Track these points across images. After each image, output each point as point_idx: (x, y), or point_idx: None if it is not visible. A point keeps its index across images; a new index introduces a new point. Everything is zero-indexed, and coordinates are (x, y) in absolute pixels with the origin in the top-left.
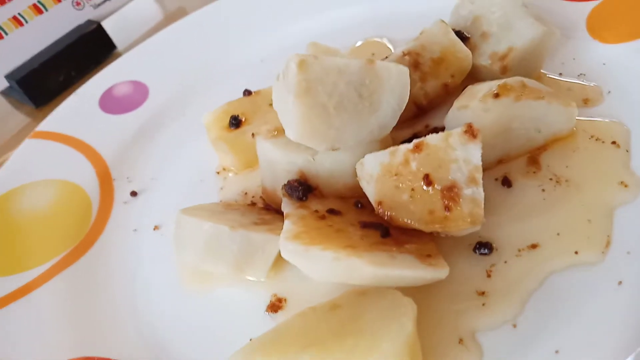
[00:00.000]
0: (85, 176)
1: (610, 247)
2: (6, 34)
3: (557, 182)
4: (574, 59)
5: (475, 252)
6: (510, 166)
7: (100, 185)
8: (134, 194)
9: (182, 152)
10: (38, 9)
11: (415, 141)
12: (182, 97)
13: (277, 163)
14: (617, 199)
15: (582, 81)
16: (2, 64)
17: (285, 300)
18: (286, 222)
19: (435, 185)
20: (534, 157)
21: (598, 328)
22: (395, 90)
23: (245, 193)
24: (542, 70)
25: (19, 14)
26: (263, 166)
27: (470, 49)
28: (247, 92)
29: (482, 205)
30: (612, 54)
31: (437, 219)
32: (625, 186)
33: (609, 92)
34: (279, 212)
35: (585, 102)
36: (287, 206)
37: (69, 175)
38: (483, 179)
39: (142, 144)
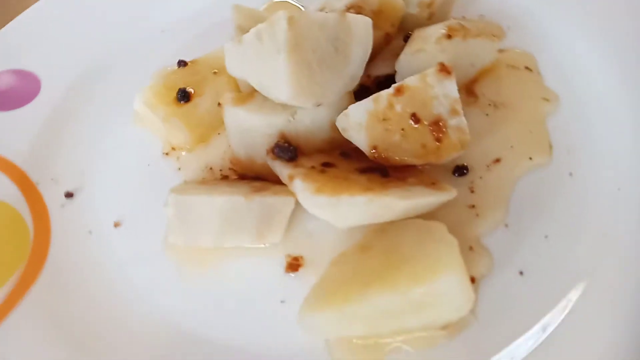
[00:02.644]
0: (3, 188)
1: (552, 149)
2: None
3: (495, 106)
4: (472, 1)
5: (455, 175)
6: None
7: (23, 193)
8: (69, 195)
9: (109, 139)
10: None
11: (394, 85)
12: (84, 83)
13: (254, 129)
14: (544, 110)
15: (490, 19)
16: None
17: (301, 257)
18: (297, 181)
19: (423, 122)
20: (469, 89)
21: (569, 212)
22: (362, 41)
23: (210, 168)
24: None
25: None
26: (233, 135)
27: None
28: (183, 63)
29: (467, 131)
30: None
31: (431, 151)
32: (547, 100)
33: (509, 27)
34: (260, 179)
35: (496, 36)
36: (283, 168)
37: None
38: None
39: (54, 139)
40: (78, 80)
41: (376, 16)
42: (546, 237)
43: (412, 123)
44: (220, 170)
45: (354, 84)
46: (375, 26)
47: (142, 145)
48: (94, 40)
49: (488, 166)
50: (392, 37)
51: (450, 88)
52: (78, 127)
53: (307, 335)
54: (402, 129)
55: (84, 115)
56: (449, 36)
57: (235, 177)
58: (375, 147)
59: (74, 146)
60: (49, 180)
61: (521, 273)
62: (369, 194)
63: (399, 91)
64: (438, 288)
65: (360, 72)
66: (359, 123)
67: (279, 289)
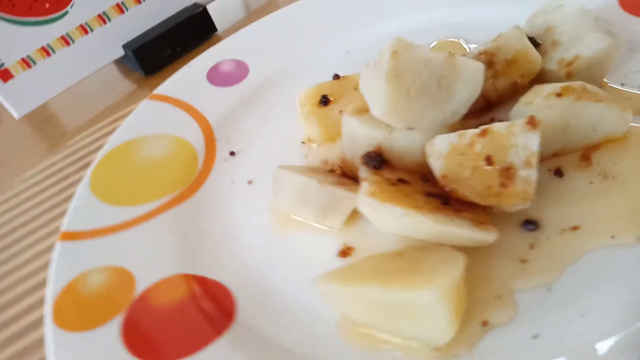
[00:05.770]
0: (193, 135)
1: None
2: (127, 9)
3: (604, 177)
4: (637, 71)
5: (522, 228)
6: (564, 159)
7: (205, 143)
8: (232, 153)
9: (275, 122)
10: None
11: (481, 127)
12: (278, 78)
13: (359, 137)
14: None
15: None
16: (120, 35)
17: (354, 249)
18: (363, 184)
19: (495, 165)
20: (586, 154)
21: (622, 297)
22: (469, 83)
23: (326, 162)
24: (604, 80)
25: None
26: (345, 139)
27: (540, 54)
28: (336, 77)
29: (534, 185)
30: None
31: (493, 193)
32: None
33: None
34: (354, 180)
35: None
36: (364, 172)
37: (180, 132)
38: (538, 168)
39: (242, 113)
40: (273, 77)
41: (508, 65)
42: (582, 315)
43: (485, 164)
44: (332, 165)
45: (454, 119)
46: (505, 74)
47: (292, 132)
48: (293, 49)
49: (563, 230)
50: (519, 87)
51: (531, 141)
52: (260, 108)
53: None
54: (474, 167)
55: (267, 102)
56: (559, 94)
57: (339, 173)
58: (445, 176)
59: (251, 120)
60: (225, 140)
61: (535, 337)
62: (410, 209)
63: (483, 133)
64: (416, 300)
65: (464, 110)
66: (441, 152)
67: (326, 265)
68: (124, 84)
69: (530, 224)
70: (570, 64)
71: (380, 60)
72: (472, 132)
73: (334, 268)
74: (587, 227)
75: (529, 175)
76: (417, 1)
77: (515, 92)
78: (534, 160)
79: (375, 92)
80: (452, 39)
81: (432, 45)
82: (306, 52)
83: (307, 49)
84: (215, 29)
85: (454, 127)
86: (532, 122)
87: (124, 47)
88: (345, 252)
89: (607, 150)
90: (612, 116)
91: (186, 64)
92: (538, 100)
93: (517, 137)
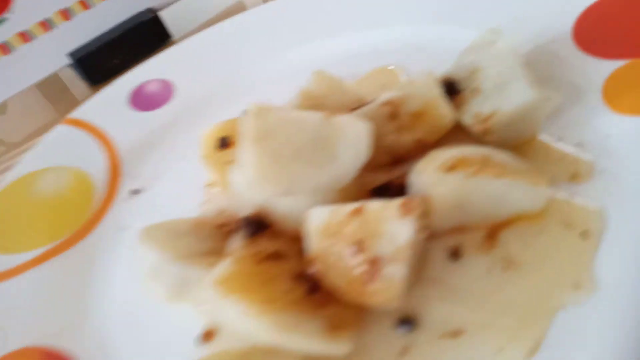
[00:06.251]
0: (98, 168)
1: (537, 354)
2: (73, 15)
3: (507, 265)
4: (577, 124)
5: (397, 327)
6: (466, 236)
7: (109, 178)
8: (135, 191)
9: (189, 157)
10: None
11: (357, 205)
12: (204, 103)
13: (242, 194)
14: (564, 300)
15: (579, 151)
16: (65, 43)
17: (217, 331)
18: (222, 263)
19: (361, 255)
20: (493, 232)
21: None
22: (354, 145)
23: (222, 211)
24: (539, 132)
25: None
26: (229, 195)
27: (459, 103)
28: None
29: (400, 286)
30: (620, 126)
31: (354, 289)
32: (578, 287)
33: (602, 171)
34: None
35: (573, 177)
36: (234, 242)
37: (84, 165)
38: (434, 244)
39: (159, 142)
40: (202, 98)
41: (414, 118)
42: None
43: (352, 251)
44: (227, 216)
45: (340, 183)
46: (409, 129)
47: (200, 172)
48: (226, 68)
49: (443, 334)
50: (428, 145)
51: (404, 231)
52: (177, 139)
53: None
54: (341, 254)
55: (187, 132)
56: (452, 167)
57: (234, 227)
58: (314, 259)
59: (163, 153)
60: (131, 175)
61: None
62: (254, 307)
63: (357, 211)
64: None
65: (351, 174)
66: (316, 227)
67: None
68: (77, 92)
69: (406, 324)
70: (486, 119)
71: (245, 119)
72: (346, 209)
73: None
74: (472, 333)
75: (394, 273)
76: (363, 20)
77: (423, 148)
78: (404, 255)
79: (242, 154)
80: (392, 67)
81: (366, 74)
82: (239, 73)
83: (242, 69)
84: (168, 36)
85: (346, 192)
86: (406, 207)
87: (70, 55)
88: (207, 334)
89: (518, 230)
90: (520, 193)
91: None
92: (428, 171)
93: (389, 223)
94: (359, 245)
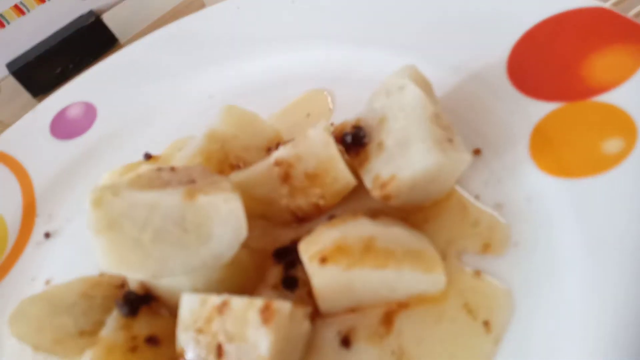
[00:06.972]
0: (12, 207)
1: None
2: (8, 22)
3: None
4: (499, 180)
5: None
6: (362, 319)
7: (22, 219)
8: (47, 235)
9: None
10: None
11: (222, 299)
12: (126, 130)
13: None
14: None
15: (497, 214)
16: (3, 53)
17: None
18: (88, 352)
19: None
20: (390, 315)
21: None
22: (229, 223)
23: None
24: (456, 188)
25: (21, 2)
26: None
27: (362, 160)
28: (147, 156)
29: None
30: (543, 187)
31: None
32: None
33: (516, 243)
34: None
35: (485, 248)
36: (110, 322)
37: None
38: (327, 324)
39: (77, 176)
40: (125, 123)
41: (309, 180)
42: None
43: (213, 355)
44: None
45: (220, 261)
46: (303, 193)
47: None
48: (150, 88)
49: None
50: (324, 209)
51: (262, 341)
52: (94, 169)
53: None
54: (202, 356)
55: (104, 161)
56: (326, 259)
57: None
58: (181, 354)
59: (79, 190)
60: (46, 215)
61: None
62: None
63: (223, 306)
64: None
65: (231, 252)
66: (184, 318)
67: None
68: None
69: None
70: (385, 185)
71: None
72: (213, 302)
73: None
74: None
75: None
76: (292, 42)
77: (319, 213)
78: None
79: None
80: (324, 91)
81: (293, 100)
82: (166, 94)
83: (167, 89)
84: (115, 39)
85: (251, 251)
86: (266, 314)
87: (7, 66)
88: None
89: (417, 313)
90: (409, 280)
91: None
92: (305, 260)
93: (250, 328)
94: (219, 350)
